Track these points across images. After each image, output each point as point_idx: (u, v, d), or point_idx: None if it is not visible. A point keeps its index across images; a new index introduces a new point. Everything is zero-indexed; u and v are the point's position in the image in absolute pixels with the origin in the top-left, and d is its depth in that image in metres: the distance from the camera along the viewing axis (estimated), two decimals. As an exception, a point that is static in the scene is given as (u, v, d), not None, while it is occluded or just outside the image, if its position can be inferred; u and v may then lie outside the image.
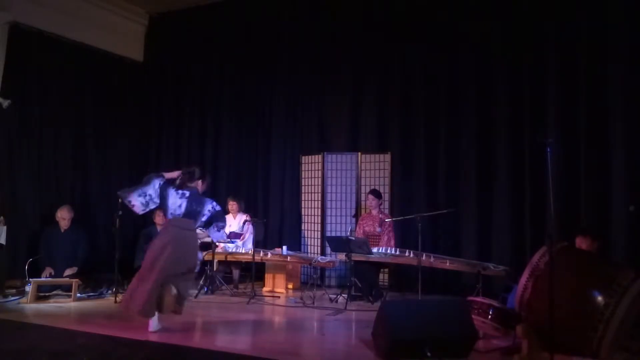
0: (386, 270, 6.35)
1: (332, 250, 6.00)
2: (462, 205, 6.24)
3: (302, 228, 7.26)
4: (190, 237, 4.43)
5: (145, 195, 4.30)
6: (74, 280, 5.76)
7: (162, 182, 4.37)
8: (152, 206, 4.37)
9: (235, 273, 6.70)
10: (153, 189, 4.32)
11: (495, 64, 6.21)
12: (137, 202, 4.29)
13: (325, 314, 5.17)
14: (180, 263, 4.28)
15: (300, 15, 7.53)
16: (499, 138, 6.13)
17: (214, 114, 8.09)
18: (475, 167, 6.26)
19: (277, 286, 6.49)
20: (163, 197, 4.36)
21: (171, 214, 4.39)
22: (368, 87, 7.04)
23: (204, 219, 4.50)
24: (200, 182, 4.56)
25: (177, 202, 4.38)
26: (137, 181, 4.55)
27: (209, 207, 4.53)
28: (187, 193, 4.43)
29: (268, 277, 6.57)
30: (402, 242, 6.05)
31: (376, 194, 6.18)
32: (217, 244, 6.33)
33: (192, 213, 4.42)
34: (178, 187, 4.43)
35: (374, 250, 5.69)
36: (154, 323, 4.23)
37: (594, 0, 5.62)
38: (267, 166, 7.66)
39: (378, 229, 6.08)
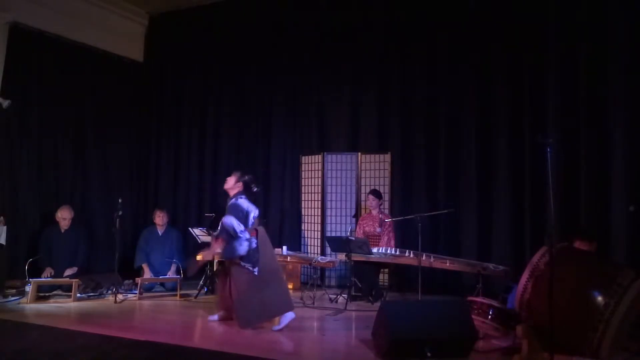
0: (386, 270, 6.35)
1: (332, 250, 6.00)
2: (462, 205, 6.24)
3: (302, 228, 7.25)
4: None
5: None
6: (74, 280, 5.76)
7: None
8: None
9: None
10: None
11: (495, 63, 6.20)
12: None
13: (325, 314, 5.17)
14: None
15: (300, 15, 7.52)
16: (499, 138, 6.12)
17: (214, 114, 8.08)
18: (475, 167, 6.26)
19: (277, 286, 6.47)
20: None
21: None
22: (368, 87, 7.04)
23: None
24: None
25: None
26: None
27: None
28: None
29: (268, 277, 6.57)
30: (402, 242, 6.06)
31: (376, 194, 6.18)
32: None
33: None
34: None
35: (374, 250, 5.69)
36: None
37: (594, 0, 5.62)
38: (267, 166, 7.66)
39: (378, 229, 6.08)
